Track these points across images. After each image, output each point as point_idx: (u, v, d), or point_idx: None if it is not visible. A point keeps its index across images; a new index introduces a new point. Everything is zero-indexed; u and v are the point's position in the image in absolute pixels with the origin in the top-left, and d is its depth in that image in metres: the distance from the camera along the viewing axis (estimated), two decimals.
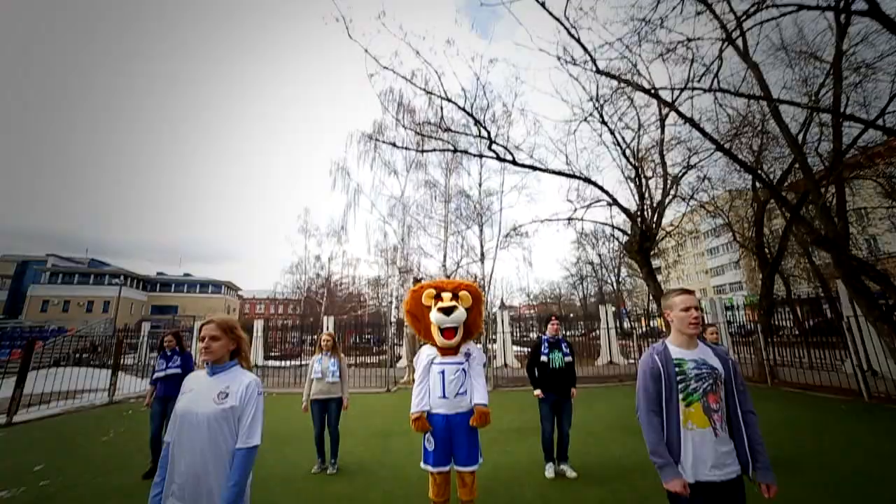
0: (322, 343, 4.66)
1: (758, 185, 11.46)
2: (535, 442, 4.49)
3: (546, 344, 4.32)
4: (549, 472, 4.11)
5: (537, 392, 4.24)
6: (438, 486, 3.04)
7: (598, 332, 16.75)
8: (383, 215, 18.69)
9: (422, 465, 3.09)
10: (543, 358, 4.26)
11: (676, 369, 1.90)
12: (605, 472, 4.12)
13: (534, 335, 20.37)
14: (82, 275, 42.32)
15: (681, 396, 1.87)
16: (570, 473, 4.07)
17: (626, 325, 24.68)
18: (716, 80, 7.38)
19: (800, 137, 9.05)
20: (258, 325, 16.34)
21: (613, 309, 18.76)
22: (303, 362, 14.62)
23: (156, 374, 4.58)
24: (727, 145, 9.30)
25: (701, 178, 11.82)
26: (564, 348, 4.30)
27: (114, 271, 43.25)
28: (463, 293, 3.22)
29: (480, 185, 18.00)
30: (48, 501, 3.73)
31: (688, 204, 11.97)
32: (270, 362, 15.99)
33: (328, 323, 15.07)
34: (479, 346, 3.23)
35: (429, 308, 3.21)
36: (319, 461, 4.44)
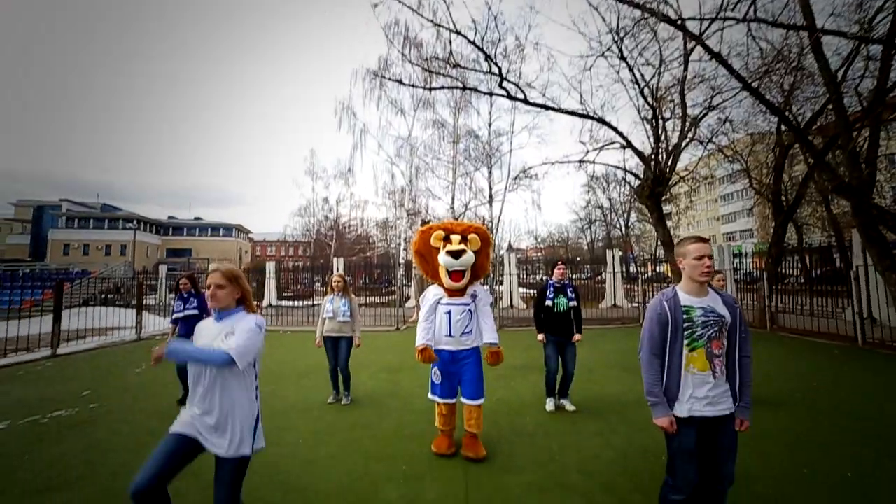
0: (333, 284, 4.79)
1: (783, 128, 10.87)
2: (538, 379, 4.76)
3: (552, 289, 4.40)
4: (550, 405, 4.38)
5: (540, 337, 4.40)
6: (444, 417, 3.25)
7: (604, 276, 16.99)
8: (390, 156, 18.32)
9: (429, 396, 3.29)
10: (548, 302, 4.36)
11: (684, 316, 1.95)
12: (603, 407, 4.40)
13: (540, 277, 20.76)
14: (97, 219, 43.37)
15: (685, 342, 1.94)
16: (569, 407, 4.34)
17: (632, 269, 24.92)
18: (752, 9, 6.72)
19: (839, 74, 8.34)
20: (270, 266, 16.76)
21: (620, 254, 18.87)
22: (315, 302, 15.21)
23: (175, 315, 4.79)
24: (755, 84, 8.68)
25: (722, 120, 11.20)
26: (570, 293, 4.38)
27: (127, 216, 44.05)
28: (472, 236, 3.21)
29: (490, 124, 17.34)
30: (99, 421, 4.13)
31: (705, 148, 11.47)
32: (284, 302, 16.64)
33: (338, 264, 15.43)
34: (485, 286, 3.34)
35: (437, 249, 3.22)
36: (334, 393, 4.76)
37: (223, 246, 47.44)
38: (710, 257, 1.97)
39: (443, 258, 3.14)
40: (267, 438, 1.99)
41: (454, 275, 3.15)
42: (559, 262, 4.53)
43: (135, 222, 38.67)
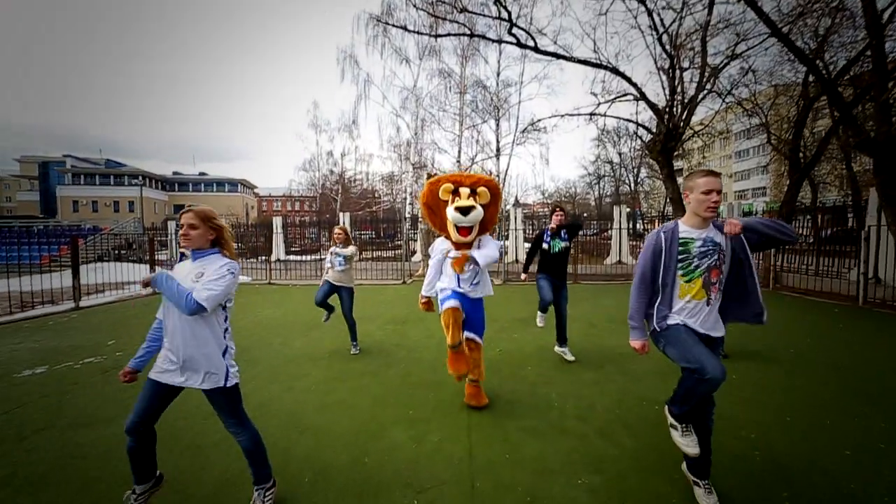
0: (335, 237, 4.91)
1: (810, 79, 10.23)
2: (540, 332, 4.93)
3: (548, 234, 4.50)
4: (540, 321, 4.55)
5: (523, 276, 4.72)
6: (453, 324, 3.03)
7: (610, 232, 16.92)
8: (395, 108, 17.79)
9: (440, 310, 3.21)
10: (545, 245, 4.48)
11: (680, 248, 1.96)
12: (601, 358, 4.59)
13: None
14: (102, 175, 43.40)
15: (680, 273, 1.98)
16: (569, 357, 4.51)
17: (639, 226, 24.73)
18: None
19: (885, 15, 7.65)
20: (277, 221, 16.85)
21: (628, 210, 18.67)
22: (322, 256, 15.45)
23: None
24: (786, 29, 8.09)
25: (744, 70, 10.55)
26: (563, 234, 4.47)
27: (132, 171, 43.92)
28: (482, 189, 3.15)
29: (499, 74, 16.52)
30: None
31: (723, 100, 10.90)
32: (291, 257, 16.91)
33: (344, 219, 15.49)
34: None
35: (445, 202, 3.16)
36: (327, 312, 5.10)
37: (229, 201, 47.48)
38: (719, 192, 1.91)
39: (451, 213, 3.09)
40: (280, 385, 2.14)
41: (462, 230, 3.14)
42: (557, 209, 4.53)
43: (140, 178, 38.67)
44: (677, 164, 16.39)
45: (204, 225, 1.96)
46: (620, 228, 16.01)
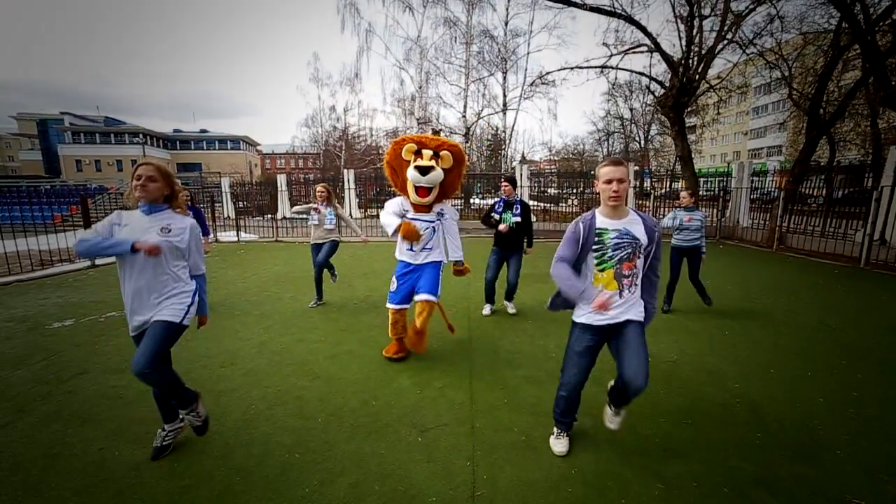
0: (317, 195, 4.95)
1: (844, 25, 9.59)
2: (541, 288, 5.16)
3: (501, 203, 4.55)
4: (486, 310, 4.80)
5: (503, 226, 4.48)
6: (394, 325, 3.44)
7: None
8: (399, 60, 17.09)
9: (387, 305, 3.47)
10: (495, 216, 4.54)
11: (596, 238, 2.01)
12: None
13: (552, 191, 20.46)
14: (102, 134, 42.84)
15: (595, 262, 2.04)
16: (511, 310, 4.80)
17: (646, 185, 24.28)
18: None
19: None
20: (282, 179, 16.77)
21: (636, 168, 18.26)
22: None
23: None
24: None
25: (771, 16, 9.93)
26: (516, 209, 4.50)
27: (132, 129, 43.25)
28: (445, 153, 3.15)
29: (507, 23, 15.68)
30: None
31: (744, 51, 10.33)
32: (296, 215, 16.96)
33: (349, 176, 15.39)
34: (456, 205, 3.39)
35: (408, 163, 3.15)
36: (316, 298, 5.15)
37: (232, 159, 46.97)
38: (620, 181, 1.93)
39: (411, 173, 3.09)
40: (292, 336, 2.28)
41: (420, 190, 3.13)
42: (504, 181, 4.56)
43: (141, 136, 38.08)
44: (691, 120, 15.80)
45: (163, 180, 2.02)
46: (628, 187, 15.79)
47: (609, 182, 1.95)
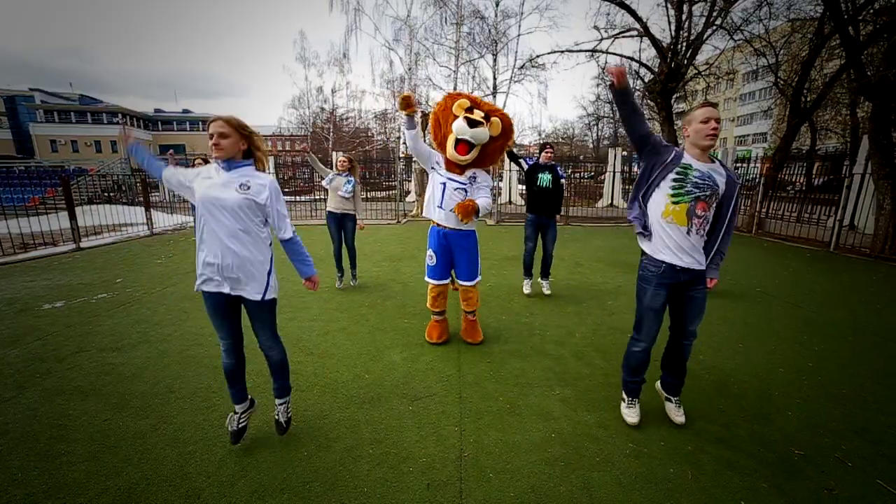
0: (338, 165, 4.93)
1: (828, 14, 9.72)
2: None
3: (536, 163, 4.61)
4: (527, 288, 4.87)
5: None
6: (435, 298, 3.40)
7: (605, 175, 16.92)
8: (388, 40, 16.70)
9: (425, 278, 3.44)
10: (524, 163, 4.61)
11: (679, 169, 2.02)
12: (584, 294, 4.96)
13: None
14: (78, 113, 40.88)
15: (671, 192, 2.03)
16: (546, 290, 4.85)
17: (635, 170, 24.55)
18: None
19: None
20: (270, 161, 16.52)
21: (624, 153, 18.47)
22: (316, 197, 15.42)
23: None
24: None
25: (759, 2, 10.03)
26: (560, 171, 4.59)
27: (110, 109, 41.50)
28: (495, 119, 3.04)
29: (497, 4, 15.42)
30: (137, 302, 4.69)
31: (732, 37, 10.45)
32: (286, 198, 16.77)
33: (337, 159, 15.23)
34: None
35: (455, 118, 3.02)
36: (339, 275, 5.16)
37: None
38: (718, 121, 1.93)
39: (457, 124, 2.96)
40: (285, 315, 2.33)
41: (461, 146, 3.00)
42: (547, 146, 4.60)
43: (120, 116, 36.55)
44: (679, 106, 15.95)
45: (236, 133, 1.87)
46: (615, 172, 15.99)
47: (706, 121, 1.94)
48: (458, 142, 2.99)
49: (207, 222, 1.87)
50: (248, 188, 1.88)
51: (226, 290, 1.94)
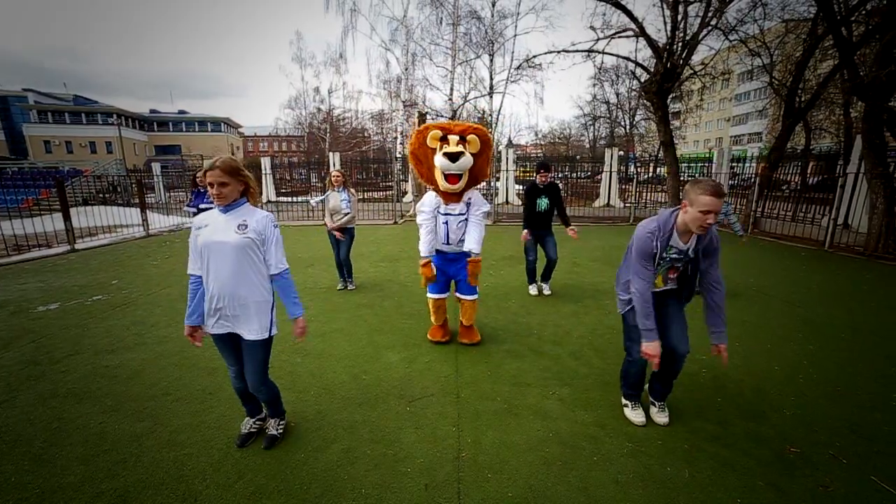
0: (332, 180, 4.97)
1: (821, 15, 9.80)
2: (523, 269, 5.25)
3: (538, 189, 4.68)
4: (533, 290, 4.98)
5: (524, 233, 4.78)
6: (436, 312, 3.47)
7: (601, 175, 16.94)
8: (384, 41, 16.74)
9: (427, 294, 3.44)
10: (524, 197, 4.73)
11: (663, 254, 2.14)
12: (581, 293, 4.98)
13: (538, 178, 20.60)
14: (72, 114, 40.56)
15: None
16: (546, 291, 4.95)
17: (630, 170, 24.63)
18: None
19: None
20: (265, 162, 16.46)
21: (621, 153, 18.52)
22: (311, 198, 15.36)
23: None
24: None
25: (754, 3, 10.08)
26: (557, 184, 4.78)
27: (105, 109, 41.23)
28: (471, 137, 3.03)
29: (494, 4, 15.46)
30: (133, 303, 4.67)
31: (727, 37, 10.51)
32: (282, 198, 16.78)
33: (334, 159, 15.21)
34: (480, 187, 3.24)
35: (433, 150, 3.06)
36: (342, 280, 5.26)
37: (213, 141, 45.51)
38: (716, 214, 1.92)
39: (439, 160, 2.99)
40: (282, 317, 2.29)
41: (451, 178, 3.02)
42: (542, 170, 4.67)
43: (115, 117, 36.31)
44: (675, 106, 16.03)
45: (234, 179, 1.93)
46: (611, 172, 16.03)
47: (706, 213, 1.90)
48: (446, 176, 3.05)
49: (211, 264, 1.95)
50: (246, 227, 1.96)
51: (230, 329, 2.03)
